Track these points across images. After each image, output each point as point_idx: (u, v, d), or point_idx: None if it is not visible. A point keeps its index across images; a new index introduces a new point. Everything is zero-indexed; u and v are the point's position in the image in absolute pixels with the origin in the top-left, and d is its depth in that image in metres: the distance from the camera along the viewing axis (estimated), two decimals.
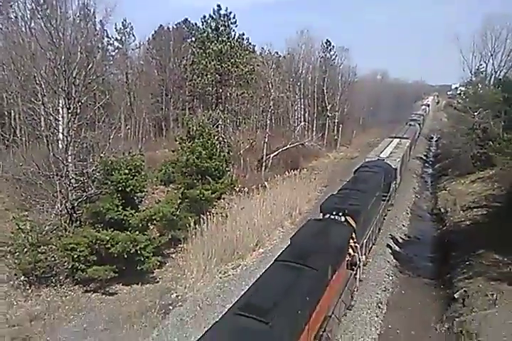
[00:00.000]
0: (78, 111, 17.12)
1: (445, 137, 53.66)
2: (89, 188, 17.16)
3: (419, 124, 55.61)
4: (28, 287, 14.20)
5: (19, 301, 13.62)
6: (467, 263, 16.92)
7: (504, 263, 15.84)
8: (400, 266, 18.01)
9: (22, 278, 14.35)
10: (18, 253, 13.96)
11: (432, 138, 63.11)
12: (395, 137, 37.25)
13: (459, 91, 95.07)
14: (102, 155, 17.57)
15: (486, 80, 47.36)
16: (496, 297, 13.61)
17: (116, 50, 40.55)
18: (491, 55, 43.30)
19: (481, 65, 47.60)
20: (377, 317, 13.83)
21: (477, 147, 31.90)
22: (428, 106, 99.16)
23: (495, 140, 24.41)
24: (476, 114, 35.54)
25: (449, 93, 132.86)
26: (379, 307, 14.43)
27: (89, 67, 17.63)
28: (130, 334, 12.32)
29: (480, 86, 46.71)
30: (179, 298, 14.69)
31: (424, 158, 46.92)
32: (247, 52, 33.42)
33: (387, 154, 28.52)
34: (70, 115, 16.78)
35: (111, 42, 39.46)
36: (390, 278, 16.71)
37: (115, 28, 39.29)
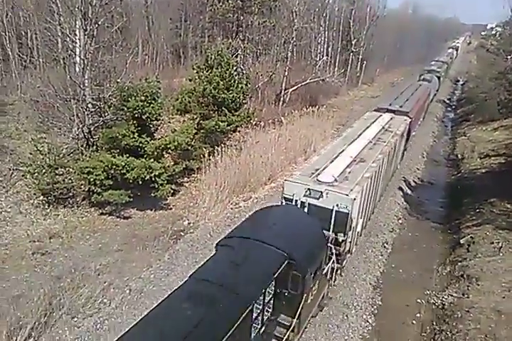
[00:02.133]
0: (95, 33, 16.46)
1: (472, 81, 51.20)
2: (106, 113, 17.02)
3: (438, 78, 41.19)
4: (46, 206, 14.77)
5: (39, 219, 14.25)
6: (477, 210, 16.97)
7: None
8: (410, 209, 18.19)
9: (41, 197, 14.84)
10: (36, 174, 14.26)
11: (458, 81, 60.16)
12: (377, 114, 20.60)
13: (494, 32, 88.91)
14: (118, 80, 17.19)
15: None
16: (501, 245, 13.81)
17: None
18: None
19: None
20: (381, 255, 14.26)
21: (506, 93, 30.42)
22: (457, 49, 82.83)
23: None
24: (509, 57, 33.38)
25: (483, 33, 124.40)
26: (384, 246, 14.82)
27: None
28: (143, 256, 12.95)
29: None
30: (191, 225, 15.21)
31: (448, 101, 45.20)
32: None
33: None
34: (86, 37, 16.17)
35: None
36: (399, 220, 16.97)
37: None
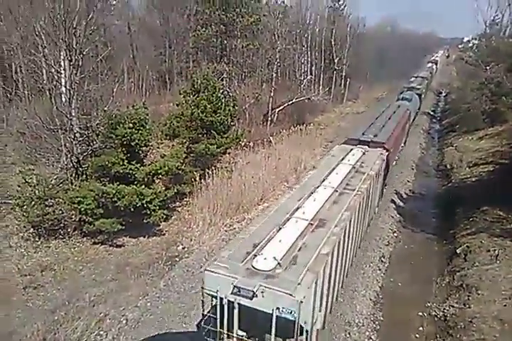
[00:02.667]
0: (80, 63, 16.68)
1: (454, 92, 52.31)
2: (94, 142, 17.04)
3: (418, 96, 37.11)
4: (37, 239, 14.54)
5: (29, 252, 13.98)
6: (471, 219, 17.02)
7: (508, 219, 15.91)
8: (404, 221, 18.19)
9: (31, 230, 14.65)
10: (25, 206, 14.10)
11: (441, 92, 61.40)
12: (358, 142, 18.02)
13: (471, 44, 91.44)
14: (105, 108, 17.33)
15: (501, 32, 45.18)
16: (497, 252, 13.80)
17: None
18: (509, 4, 40.69)
19: (496, 15, 45.14)
20: (379, 270, 14.16)
21: (488, 102, 31.12)
22: (436, 63, 79.25)
23: (508, 95, 23.78)
24: (488, 68, 34.32)
25: (460, 46, 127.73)
26: (382, 261, 14.74)
27: (90, 16, 16.96)
28: (138, 284, 12.71)
29: (494, 38, 44.75)
30: (185, 250, 15.02)
31: (432, 113, 45.99)
32: (252, 1, 31.82)
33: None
34: (71, 67, 16.37)
35: None
36: (394, 233, 16.95)
37: None
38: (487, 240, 14.89)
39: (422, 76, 51.74)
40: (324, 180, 12.85)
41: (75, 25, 16.02)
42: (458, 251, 15.00)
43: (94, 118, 17.16)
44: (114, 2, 38.58)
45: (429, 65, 73.01)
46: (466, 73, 46.97)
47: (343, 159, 15.21)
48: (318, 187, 12.25)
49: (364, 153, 16.25)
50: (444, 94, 59.77)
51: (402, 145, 26.52)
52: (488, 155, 24.77)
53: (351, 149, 16.66)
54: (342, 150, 16.64)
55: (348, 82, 47.78)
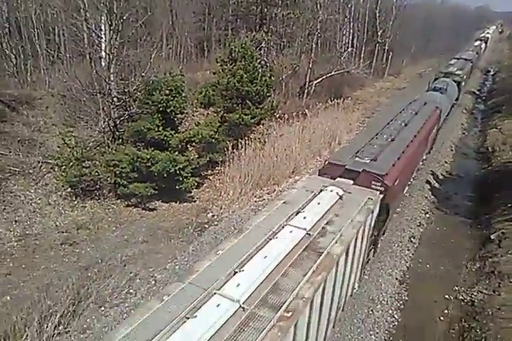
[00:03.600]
0: (120, 28, 16.74)
1: (504, 71, 49.44)
2: (131, 107, 17.31)
3: (457, 84, 28.93)
4: (74, 198, 15.09)
5: (66, 211, 14.59)
6: (509, 205, 16.38)
7: None
8: (438, 203, 17.70)
9: (69, 189, 15.17)
10: (64, 167, 14.59)
11: (489, 71, 58.03)
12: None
13: None
14: (143, 74, 17.42)
15: None
16: None
17: None
18: None
19: None
20: (408, 250, 13.95)
21: None
22: (486, 41, 66.99)
23: None
24: None
25: None
26: (411, 241, 14.49)
27: None
28: (168, 248, 13.10)
29: None
30: (215, 217, 15.27)
31: (477, 92, 43.72)
32: None
33: None
34: (112, 32, 16.48)
35: None
36: (426, 214, 16.56)
37: None
38: None
39: (466, 58, 41.74)
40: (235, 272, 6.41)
41: None
42: (492, 236, 14.55)
43: (132, 84, 17.32)
44: None
45: (477, 43, 62.91)
46: None
47: (290, 218, 8.23)
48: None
49: (341, 198, 9.24)
50: (492, 73, 56.48)
51: (425, 156, 19.52)
52: None
53: (321, 189, 9.53)
54: (303, 192, 9.46)
55: (390, 56, 45.80)
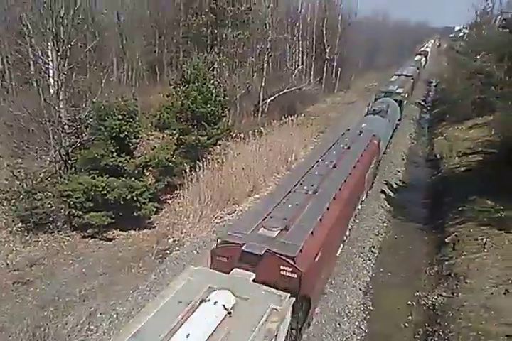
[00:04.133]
0: (68, 53, 16.47)
1: (445, 82, 52.36)
2: (83, 134, 16.91)
3: (398, 104, 27.46)
4: (26, 233, 14.45)
5: (18, 247, 13.90)
6: (459, 208, 17.17)
7: (495, 208, 16.04)
8: (394, 211, 18.33)
9: (19, 224, 14.53)
10: (14, 201, 14.01)
11: (432, 82, 61.46)
12: None
13: (461, 34, 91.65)
14: (94, 100, 17.14)
15: (492, 21, 45.26)
16: (485, 241, 13.97)
17: None
18: None
19: (487, 4, 45.16)
20: (369, 260, 14.28)
21: (477, 92, 31.19)
22: (426, 55, 70.10)
23: (497, 85, 23.86)
24: (478, 57, 34.38)
25: (451, 35, 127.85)
26: (371, 251, 14.85)
27: (77, 5, 16.65)
28: (128, 278, 12.74)
29: (485, 27, 44.82)
30: (176, 242, 15.03)
31: (422, 103, 46.08)
32: None
33: None
34: (59, 58, 16.13)
35: None
36: (384, 223, 17.07)
37: None
38: (475, 229, 15.06)
39: (407, 74, 40.79)
40: None
41: (62, 15, 15.77)
42: (447, 240, 15.16)
43: (83, 110, 16.99)
44: None
45: (417, 57, 63.50)
46: (457, 63, 47.04)
47: None
48: None
49: (229, 313, 6.27)
50: (434, 84, 59.82)
51: (364, 198, 16.87)
52: (477, 145, 24.94)
53: (201, 302, 6.38)
54: (173, 306, 6.35)
55: (339, 72, 47.61)
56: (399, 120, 28.17)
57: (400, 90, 30.33)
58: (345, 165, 12.96)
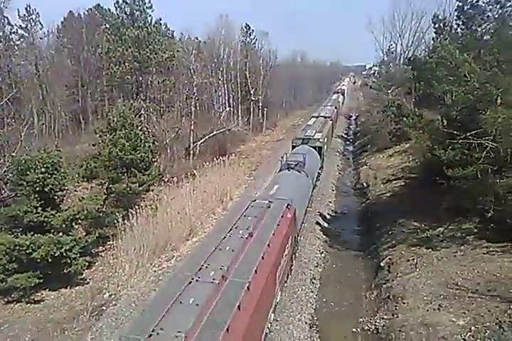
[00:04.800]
0: None
1: (363, 115, 56.49)
2: (3, 191, 15.92)
3: (318, 151, 25.45)
4: None
5: None
6: (390, 232, 18.14)
7: (422, 229, 17.17)
8: (330, 241, 18.87)
9: None
10: None
11: (351, 116, 65.91)
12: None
13: (372, 71, 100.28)
14: (13, 154, 16.36)
15: (397, 60, 50.19)
16: (416, 261, 14.79)
17: (22, 39, 37.12)
18: (399, 35, 45.68)
19: (391, 45, 50.25)
20: (311, 292, 14.43)
21: (393, 123, 33.98)
22: (343, 93, 72.40)
23: (408, 115, 26.16)
24: (389, 91, 37.81)
25: (363, 73, 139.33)
26: (313, 282, 15.05)
27: None
28: None
29: (391, 65, 49.58)
30: (112, 297, 14.19)
31: (345, 136, 49.03)
32: (165, 37, 32.46)
33: None
34: None
35: (14, 30, 35.89)
36: (322, 253, 17.46)
37: (18, 15, 35.99)
38: (406, 250, 15.92)
39: (325, 115, 38.27)
40: None
41: None
42: (381, 264, 15.83)
43: (1, 166, 16.12)
44: (18, 42, 36.97)
45: (335, 96, 63.27)
46: (372, 97, 51.20)
47: None
48: None
49: None
50: (354, 118, 64.13)
51: (279, 297, 12.70)
52: (398, 171, 26.84)
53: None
54: None
55: (265, 112, 49.65)
56: (320, 168, 25.76)
57: (318, 135, 27.63)
58: (241, 272, 8.69)
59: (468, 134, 15.12)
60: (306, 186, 19.29)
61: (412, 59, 28.87)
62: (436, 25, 27.71)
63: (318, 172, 25.06)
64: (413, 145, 29.25)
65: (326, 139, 27.99)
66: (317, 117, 36.90)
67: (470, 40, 19.01)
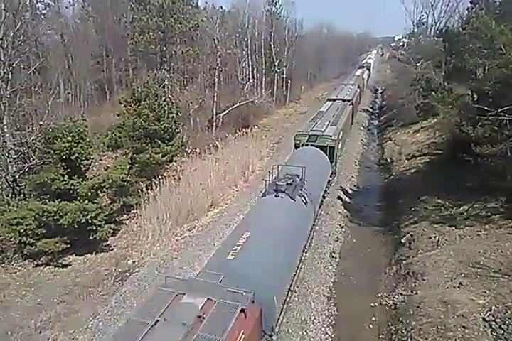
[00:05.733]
0: (10, 76, 15.93)
1: (389, 89, 54.80)
2: (31, 159, 16.32)
3: (329, 154, 18.46)
4: None
5: None
6: (412, 209, 17.90)
7: (445, 206, 16.89)
8: (351, 216, 18.82)
9: None
10: None
11: (378, 90, 64.08)
12: None
13: (401, 43, 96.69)
14: (41, 122, 16.63)
15: (427, 31, 48.08)
16: (438, 239, 14.63)
17: (48, 8, 36.93)
18: (431, 5, 43.44)
19: (422, 16, 48.01)
20: (331, 265, 14.54)
21: (420, 97, 32.87)
22: (368, 68, 63.49)
23: (437, 90, 25.25)
24: (418, 64, 36.41)
25: (392, 45, 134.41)
26: (332, 256, 15.14)
27: (18, 27, 16.21)
28: (88, 304, 12.25)
29: (421, 37, 47.59)
30: (136, 263, 14.65)
31: (370, 110, 47.88)
32: (190, 7, 31.82)
33: None
34: (1, 81, 15.57)
35: None
36: (342, 228, 17.46)
37: None
38: (428, 227, 15.74)
39: (344, 98, 30.05)
40: None
41: (1, 37, 15.37)
42: (403, 240, 15.73)
43: (30, 134, 16.43)
44: (44, 11, 36.86)
45: (359, 72, 55.12)
46: (399, 70, 49.48)
47: None
48: None
49: None
50: (380, 91, 62.34)
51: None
52: (423, 147, 26.18)
53: None
54: None
55: (289, 84, 48.73)
56: (331, 175, 19.53)
57: (330, 130, 20.14)
58: None
59: (499, 110, 14.53)
60: (303, 225, 12.56)
61: (443, 30, 27.46)
62: None
63: (328, 187, 19.19)
64: (440, 121, 28.33)
65: (341, 134, 20.93)
66: (334, 101, 28.84)
67: (508, 9, 17.92)
